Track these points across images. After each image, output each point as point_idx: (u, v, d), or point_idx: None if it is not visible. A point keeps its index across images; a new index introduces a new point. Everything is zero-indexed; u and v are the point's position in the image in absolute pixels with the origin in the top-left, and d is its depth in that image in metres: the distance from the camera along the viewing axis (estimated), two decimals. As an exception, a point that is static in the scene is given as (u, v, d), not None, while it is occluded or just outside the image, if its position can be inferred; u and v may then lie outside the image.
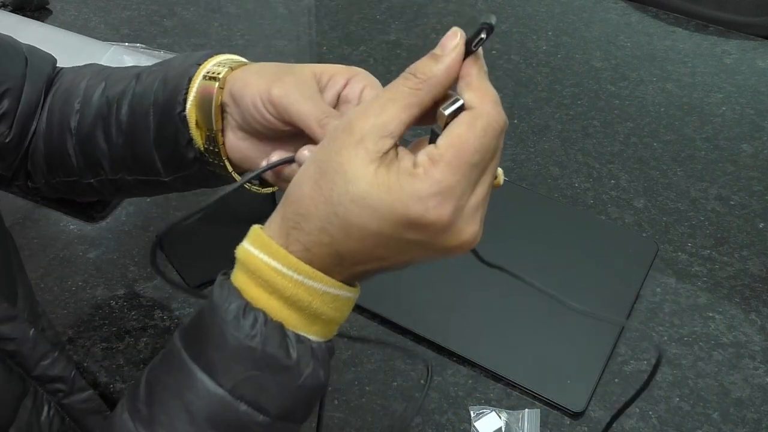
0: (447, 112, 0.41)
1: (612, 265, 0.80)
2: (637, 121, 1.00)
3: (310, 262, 0.42)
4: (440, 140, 0.40)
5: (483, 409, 0.71)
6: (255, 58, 1.09)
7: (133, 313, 0.79)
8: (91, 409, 0.61)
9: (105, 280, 0.82)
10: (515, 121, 1.00)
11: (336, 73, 0.53)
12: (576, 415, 0.71)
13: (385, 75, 1.07)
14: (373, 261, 0.42)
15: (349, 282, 0.44)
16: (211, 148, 0.58)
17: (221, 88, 0.55)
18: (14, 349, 0.55)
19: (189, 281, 0.82)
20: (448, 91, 0.43)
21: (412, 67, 0.42)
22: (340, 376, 0.74)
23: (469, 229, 0.41)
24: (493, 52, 1.10)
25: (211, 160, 0.59)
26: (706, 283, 0.82)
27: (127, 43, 1.07)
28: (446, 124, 0.41)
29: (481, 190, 0.42)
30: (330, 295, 0.43)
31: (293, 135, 0.53)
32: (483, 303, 0.78)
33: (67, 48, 1.05)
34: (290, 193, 0.43)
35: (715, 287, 0.82)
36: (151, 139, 0.60)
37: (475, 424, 0.70)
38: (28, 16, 1.13)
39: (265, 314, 0.42)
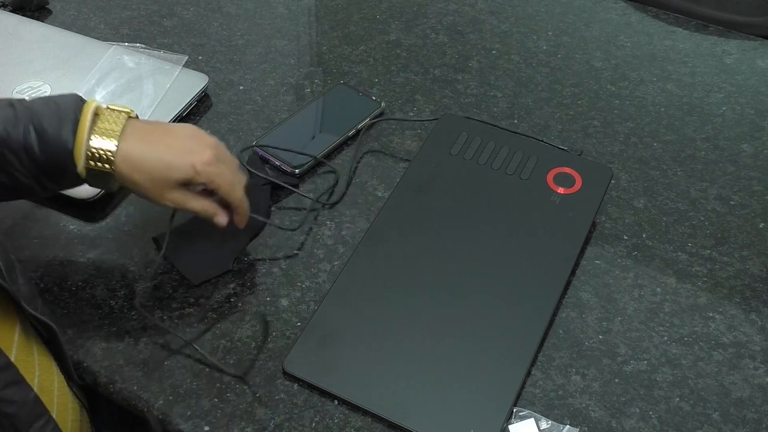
0: None
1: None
2: (637, 121, 1.00)
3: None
4: None
5: None
6: (255, 58, 1.09)
7: (133, 313, 0.79)
8: None
9: (105, 280, 0.82)
10: (515, 121, 1.00)
11: None
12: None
13: (385, 75, 1.07)
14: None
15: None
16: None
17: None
18: (14, 411, 0.56)
19: (189, 281, 0.82)
20: None
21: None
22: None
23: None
24: (494, 52, 1.10)
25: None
26: (706, 283, 0.82)
27: (127, 43, 1.07)
28: None
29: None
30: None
31: None
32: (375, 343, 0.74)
33: (67, 48, 1.05)
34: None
35: (715, 287, 0.82)
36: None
37: None
38: (28, 16, 1.13)
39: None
